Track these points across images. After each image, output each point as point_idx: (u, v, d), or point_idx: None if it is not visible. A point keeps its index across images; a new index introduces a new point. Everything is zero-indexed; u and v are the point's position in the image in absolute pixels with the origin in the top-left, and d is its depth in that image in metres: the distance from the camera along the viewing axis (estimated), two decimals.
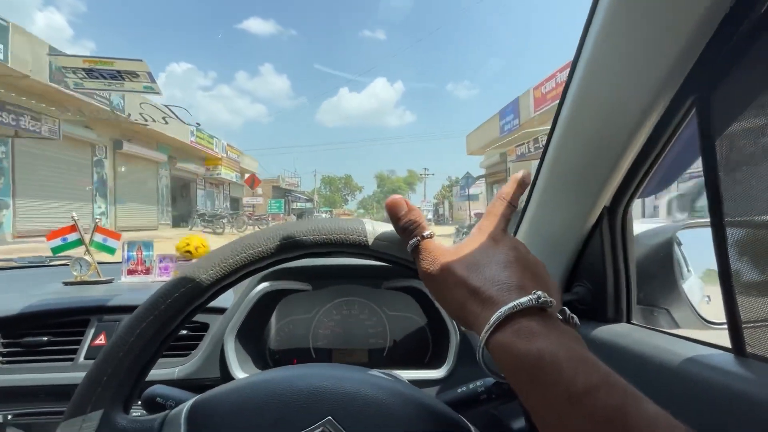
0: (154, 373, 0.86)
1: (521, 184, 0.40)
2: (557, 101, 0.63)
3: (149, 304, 0.41)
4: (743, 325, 0.47)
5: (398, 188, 66.07)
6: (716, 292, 0.49)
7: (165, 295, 0.41)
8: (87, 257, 1.27)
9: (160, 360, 0.89)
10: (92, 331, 0.93)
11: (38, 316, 0.93)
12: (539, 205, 0.77)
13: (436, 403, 0.42)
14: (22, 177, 11.01)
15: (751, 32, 0.40)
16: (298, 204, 42.90)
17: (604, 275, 0.70)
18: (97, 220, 1.34)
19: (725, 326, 0.48)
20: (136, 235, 10.33)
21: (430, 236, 0.38)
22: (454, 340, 0.90)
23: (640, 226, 0.79)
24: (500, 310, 0.29)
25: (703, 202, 0.48)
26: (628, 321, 0.70)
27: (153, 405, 0.51)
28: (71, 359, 0.90)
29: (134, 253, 1.30)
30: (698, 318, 0.71)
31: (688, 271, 0.87)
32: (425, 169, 58.02)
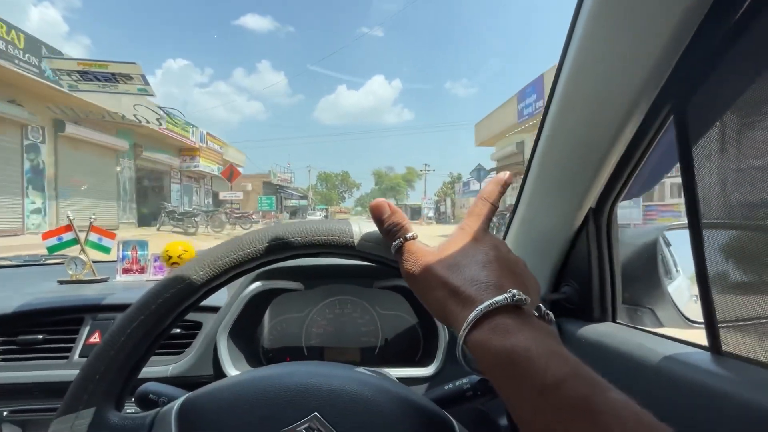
0: (148, 371, 0.87)
1: (503, 185, 0.41)
2: None
3: (140, 304, 0.42)
4: (719, 325, 0.48)
5: (397, 185, 64.29)
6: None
7: (156, 295, 0.42)
8: (82, 256, 1.28)
9: (154, 358, 0.90)
10: (87, 329, 0.93)
11: (33, 314, 0.94)
12: (528, 207, 0.79)
13: (421, 400, 0.43)
14: None
15: (726, 41, 0.41)
16: (292, 201, 40.88)
17: (590, 275, 0.71)
18: (92, 219, 1.34)
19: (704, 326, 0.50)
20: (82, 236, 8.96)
21: (413, 237, 0.39)
22: (443, 338, 0.92)
23: None
24: (477, 309, 0.30)
25: None
26: (614, 320, 0.71)
27: (146, 402, 0.52)
28: (66, 357, 0.90)
29: (129, 253, 1.30)
30: (681, 317, 0.72)
31: (677, 271, 0.88)
32: (426, 164, 54.73)
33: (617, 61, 0.49)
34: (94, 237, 1.33)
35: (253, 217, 17.95)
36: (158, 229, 14.42)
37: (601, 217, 0.69)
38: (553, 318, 0.36)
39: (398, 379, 0.54)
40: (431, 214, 39.05)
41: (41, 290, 1.09)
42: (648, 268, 0.76)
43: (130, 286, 1.18)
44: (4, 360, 0.90)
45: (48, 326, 0.93)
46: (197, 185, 23.62)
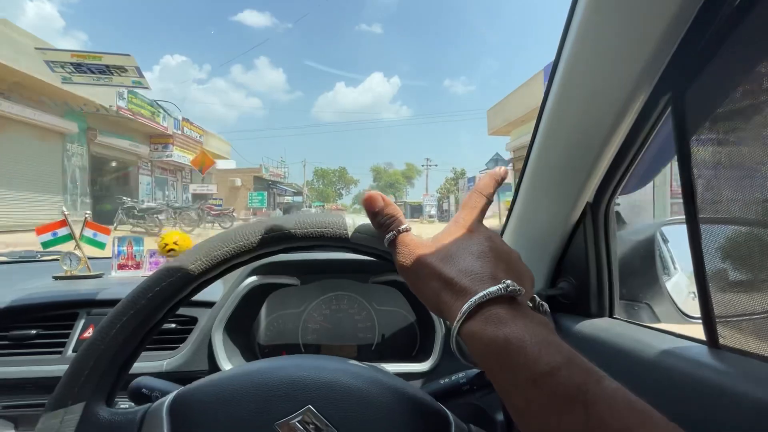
0: (142, 366, 0.86)
1: (498, 179, 0.41)
2: None
3: (131, 298, 0.41)
4: (717, 319, 0.48)
5: (396, 182, 62.07)
6: None
7: (146, 290, 0.41)
8: (77, 252, 1.27)
9: (148, 353, 0.90)
10: (81, 324, 0.93)
11: (27, 309, 0.93)
12: (525, 202, 0.78)
13: (415, 391, 0.43)
14: None
15: (723, 31, 0.41)
16: (286, 198, 38.37)
17: (588, 270, 0.71)
18: (86, 215, 1.33)
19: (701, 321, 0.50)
20: (12, 238, 7.31)
21: (407, 230, 0.39)
22: (440, 334, 0.91)
23: None
24: (471, 300, 0.30)
25: None
26: (611, 315, 0.71)
27: (139, 396, 0.52)
28: (59, 352, 0.90)
29: (124, 248, 1.29)
30: (678, 312, 0.72)
31: (675, 268, 0.88)
32: (427, 159, 51.69)
33: (614, 53, 0.48)
34: (89, 232, 1.32)
35: (234, 214, 15.73)
36: (115, 228, 11.54)
37: (598, 211, 0.68)
38: (548, 309, 0.36)
39: (395, 374, 0.53)
40: (433, 211, 36.70)
41: (35, 286, 1.08)
42: (645, 264, 0.76)
43: (125, 282, 1.18)
44: None
45: (42, 321, 0.93)
46: (174, 178, 20.58)
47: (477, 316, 0.30)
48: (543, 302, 0.35)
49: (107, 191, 15.36)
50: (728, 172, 0.45)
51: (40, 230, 1.30)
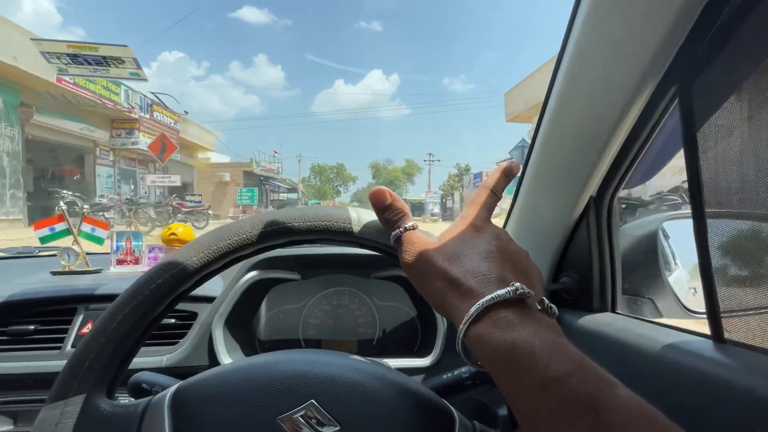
0: (143, 361, 0.86)
1: (506, 174, 0.39)
2: None
3: (132, 291, 0.41)
4: (722, 313, 0.47)
5: (395, 179, 60.08)
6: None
7: (148, 282, 0.41)
8: (75, 247, 1.26)
9: (148, 348, 0.89)
10: (80, 319, 0.92)
11: (25, 304, 0.92)
12: (528, 196, 0.78)
13: (418, 387, 0.43)
14: None
15: (732, 21, 0.40)
16: (280, 195, 37.06)
17: (590, 265, 0.70)
18: (85, 210, 1.32)
19: (705, 315, 0.49)
20: None
21: (413, 227, 0.38)
22: (441, 329, 0.91)
23: None
24: (478, 303, 0.29)
25: None
26: (613, 310, 0.71)
27: (139, 391, 0.51)
28: (58, 347, 0.89)
29: (123, 243, 1.29)
30: (681, 307, 0.72)
31: (675, 263, 0.88)
32: (430, 154, 49.35)
33: (621, 44, 0.47)
34: (87, 227, 1.31)
35: (210, 211, 13.79)
36: None
37: (601, 206, 0.68)
38: (557, 311, 0.35)
39: (396, 369, 0.53)
40: (437, 210, 34.33)
41: (33, 281, 1.08)
42: (648, 259, 0.76)
43: (124, 277, 1.17)
44: None
45: (40, 317, 0.92)
46: (144, 170, 17.26)
47: (484, 319, 0.29)
48: (551, 304, 0.34)
49: (52, 184, 12.69)
50: (736, 166, 0.44)
51: (38, 225, 1.29)
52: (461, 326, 0.30)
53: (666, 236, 0.87)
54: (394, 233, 0.38)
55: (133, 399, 0.49)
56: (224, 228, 0.43)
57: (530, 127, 15.61)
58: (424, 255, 0.35)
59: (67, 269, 1.22)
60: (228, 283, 0.95)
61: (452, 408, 0.42)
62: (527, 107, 14.90)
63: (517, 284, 0.30)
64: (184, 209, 12.81)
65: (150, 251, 1.29)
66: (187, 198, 15.44)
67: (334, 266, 1.04)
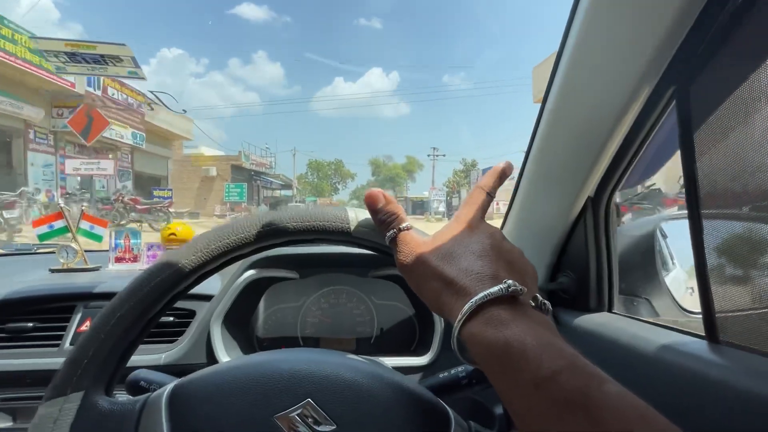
0: (140, 359, 0.86)
1: (501, 175, 0.40)
2: None
3: (131, 289, 0.41)
4: (717, 314, 0.48)
5: (396, 176, 56.88)
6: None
7: (147, 280, 0.41)
8: (74, 244, 1.26)
9: (146, 346, 0.89)
10: (78, 317, 0.92)
11: (23, 302, 0.92)
12: (526, 196, 0.78)
13: (414, 386, 0.43)
14: None
15: (729, 24, 0.40)
16: (278, 192, 35.34)
17: (588, 265, 0.71)
18: (83, 207, 1.32)
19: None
20: None
21: (408, 228, 0.38)
22: (439, 328, 0.91)
23: None
24: (471, 301, 0.29)
25: None
26: (610, 310, 0.71)
27: (136, 388, 0.51)
28: (57, 345, 0.89)
29: (122, 241, 1.29)
30: (677, 307, 0.72)
31: (673, 263, 0.88)
32: (434, 149, 45.14)
33: (619, 45, 0.48)
34: (85, 225, 1.31)
35: (172, 209, 11.71)
36: None
37: (599, 206, 0.68)
38: (551, 308, 0.35)
39: (393, 368, 0.53)
40: (442, 207, 31.62)
41: (32, 278, 1.08)
42: (645, 259, 0.76)
43: (122, 275, 1.17)
44: None
45: (38, 314, 0.92)
46: (101, 159, 12.98)
47: (478, 317, 0.29)
48: (545, 301, 0.34)
49: None
50: (732, 167, 0.45)
51: (37, 223, 1.29)
52: (455, 324, 0.30)
53: (664, 236, 0.87)
54: (388, 234, 0.38)
55: (130, 396, 0.49)
56: (223, 227, 0.43)
57: None
58: (418, 255, 0.35)
59: (65, 267, 1.22)
60: (226, 281, 0.96)
61: (448, 408, 0.42)
62: None
63: (510, 281, 0.30)
64: (138, 206, 10.85)
65: (148, 249, 1.29)
66: (155, 193, 13.73)
67: (332, 265, 1.04)
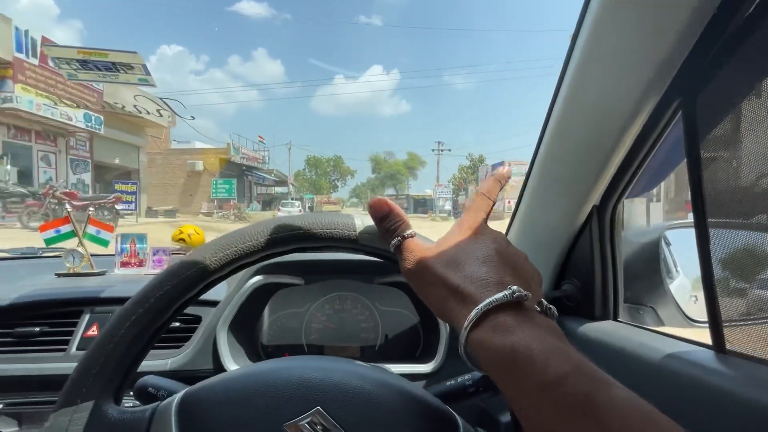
0: (147, 364, 0.86)
1: (500, 180, 0.41)
2: None
3: (140, 296, 0.41)
4: (724, 324, 0.48)
5: (397, 172, 54.93)
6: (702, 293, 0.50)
7: (156, 287, 0.41)
8: (80, 249, 1.26)
9: (153, 351, 0.89)
10: (85, 321, 0.93)
11: (30, 306, 0.93)
12: (530, 204, 0.78)
13: (423, 394, 0.43)
14: None
15: (736, 36, 0.41)
16: (268, 188, 32.48)
17: (593, 273, 0.71)
18: (89, 212, 1.33)
19: (707, 325, 0.50)
20: None
21: (411, 235, 0.38)
22: (444, 335, 0.91)
23: None
24: (477, 308, 0.30)
25: None
26: (615, 318, 0.71)
27: (145, 395, 0.52)
28: (63, 350, 0.90)
29: (127, 246, 1.29)
30: (683, 316, 0.72)
31: (677, 271, 0.88)
32: (439, 143, 42.59)
33: (626, 57, 0.48)
34: (92, 229, 1.32)
35: (118, 207, 9.80)
36: None
37: (604, 214, 0.69)
38: (556, 312, 0.36)
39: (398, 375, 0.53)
40: (448, 205, 29.64)
41: (38, 283, 1.08)
42: (650, 267, 0.76)
43: (128, 280, 1.18)
44: (0, 352, 0.89)
45: (45, 319, 0.93)
46: (49, 147, 11.60)
47: (484, 324, 0.30)
48: (550, 306, 0.35)
49: None
50: (738, 178, 0.45)
51: (43, 227, 1.30)
52: (462, 332, 0.30)
53: (668, 244, 0.87)
54: (393, 242, 0.39)
55: (138, 403, 0.50)
56: (228, 236, 0.43)
57: None
58: (423, 262, 0.36)
59: (71, 271, 1.22)
60: (232, 287, 0.96)
61: (456, 415, 0.42)
62: None
63: (515, 287, 0.30)
64: (75, 202, 8.36)
65: (154, 254, 1.30)
66: (117, 187, 11.81)
67: (338, 271, 1.04)
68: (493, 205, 0.40)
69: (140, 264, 1.29)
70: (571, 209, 0.69)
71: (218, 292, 0.97)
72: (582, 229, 0.72)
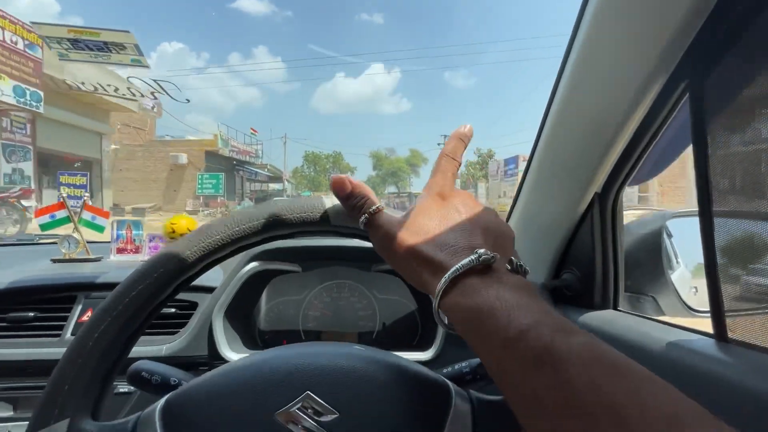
0: (142, 350, 0.86)
1: (463, 138, 0.40)
2: None
3: (108, 304, 0.39)
4: (726, 313, 0.47)
5: (398, 170, 53.36)
6: (703, 283, 0.50)
7: (123, 294, 0.39)
8: (75, 235, 1.25)
9: (148, 338, 0.89)
10: (79, 307, 0.92)
11: (25, 291, 0.92)
12: (532, 191, 0.77)
13: (410, 364, 0.43)
14: None
15: (746, 15, 0.39)
16: (262, 184, 30.92)
17: (593, 262, 0.70)
18: (85, 197, 1.32)
19: (708, 314, 0.49)
20: None
21: (379, 209, 0.38)
22: None
23: None
24: (445, 276, 0.30)
25: None
26: (615, 308, 0.70)
27: (138, 380, 0.51)
28: (58, 335, 0.89)
29: (123, 232, 1.28)
30: (683, 306, 0.72)
31: (678, 261, 0.88)
32: (445, 136, 39.21)
33: (632, 37, 0.47)
34: (87, 215, 1.31)
35: (25, 202, 7.64)
36: None
37: (606, 202, 0.67)
38: (527, 269, 0.35)
39: None
40: None
41: (34, 268, 1.07)
42: (652, 257, 0.75)
43: (124, 266, 1.17)
44: None
45: (40, 304, 0.92)
46: None
47: (454, 290, 0.30)
48: (521, 263, 0.34)
49: None
50: (745, 164, 0.44)
51: (39, 213, 1.29)
52: (434, 299, 0.31)
53: (669, 234, 0.86)
54: (361, 219, 0.38)
55: (132, 388, 0.49)
56: (199, 231, 0.41)
57: None
58: (393, 236, 0.35)
59: (67, 257, 1.22)
60: (228, 273, 0.95)
61: (448, 381, 0.42)
62: None
63: (481, 251, 0.30)
64: None
65: (150, 240, 1.29)
66: (61, 179, 7.40)
67: (335, 258, 1.04)
68: (459, 165, 0.39)
69: (136, 251, 1.29)
70: (572, 197, 0.68)
71: (214, 278, 0.97)
72: (583, 218, 0.71)
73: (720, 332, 0.48)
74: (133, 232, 1.29)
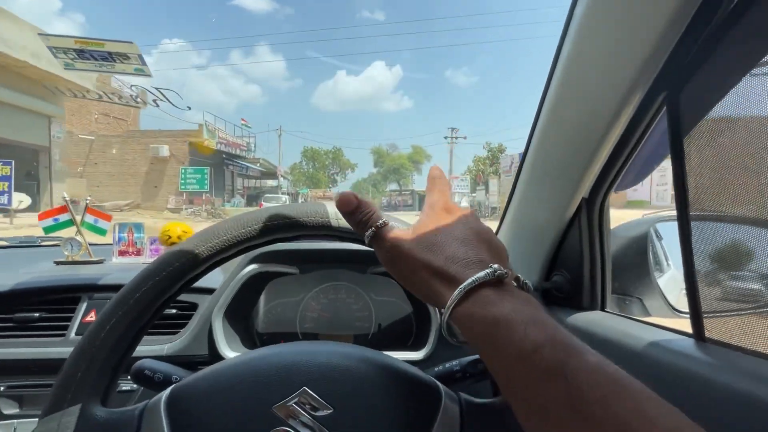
0: (144, 349, 0.88)
1: (438, 179, 0.42)
2: None
3: (119, 299, 0.42)
4: (704, 313, 0.49)
5: (401, 166, 51.23)
6: None
7: (133, 290, 0.42)
8: (78, 237, 1.28)
9: (150, 337, 0.91)
10: (83, 307, 0.95)
11: (30, 293, 0.94)
12: (522, 197, 0.80)
13: (403, 365, 0.45)
14: None
15: (719, 32, 0.42)
16: (262, 181, 29.35)
17: (582, 264, 0.72)
18: (88, 200, 1.34)
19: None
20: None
21: (384, 224, 0.39)
22: (435, 323, 0.93)
23: None
24: (461, 287, 0.32)
25: None
26: (603, 309, 0.73)
27: (141, 378, 0.53)
28: (62, 335, 0.92)
29: (125, 235, 1.30)
30: (668, 307, 0.74)
31: (668, 264, 0.90)
32: (452, 129, 36.20)
33: (612, 52, 0.49)
34: (90, 218, 1.33)
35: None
36: None
37: (593, 207, 0.70)
38: (531, 286, 0.37)
39: None
40: (465, 202, 22.24)
41: (38, 270, 1.10)
42: (638, 259, 0.78)
43: (126, 268, 1.19)
44: (0, 337, 0.91)
45: (45, 305, 0.94)
46: None
47: (468, 300, 0.31)
48: (526, 280, 0.36)
49: None
50: (720, 171, 0.46)
51: (42, 216, 1.31)
52: (447, 308, 0.32)
53: (659, 237, 0.88)
54: (367, 234, 0.39)
55: (135, 386, 0.51)
56: (205, 232, 0.44)
57: None
58: (403, 249, 0.37)
59: (70, 259, 1.24)
60: (228, 275, 0.97)
61: (438, 382, 0.44)
62: None
63: (495, 266, 0.32)
64: None
65: (151, 243, 1.31)
66: None
67: (332, 261, 1.06)
68: (450, 188, 0.42)
69: (138, 253, 1.31)
70: (560, 202, 0.71)
71: (214, 279, 0.99)
72: (571, 222, 0.73)
73: (698, 332, 0.50)
74: (135, 234, 1.32)
